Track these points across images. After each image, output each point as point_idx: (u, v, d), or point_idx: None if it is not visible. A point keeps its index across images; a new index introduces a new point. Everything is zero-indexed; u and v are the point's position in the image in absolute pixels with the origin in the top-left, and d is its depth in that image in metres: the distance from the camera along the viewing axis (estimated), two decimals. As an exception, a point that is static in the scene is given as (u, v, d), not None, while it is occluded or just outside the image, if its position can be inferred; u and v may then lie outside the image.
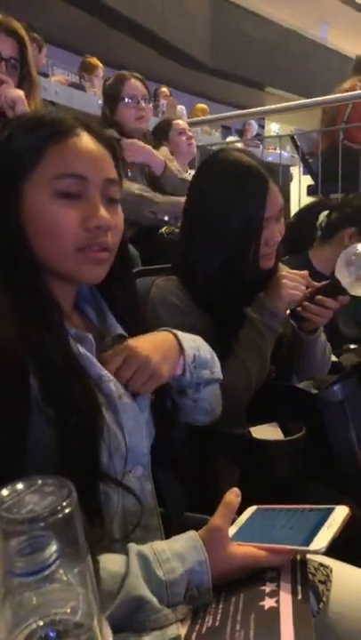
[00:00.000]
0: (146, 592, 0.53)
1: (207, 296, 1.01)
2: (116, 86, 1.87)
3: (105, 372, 0.68)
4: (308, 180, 3.36)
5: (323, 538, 0.56)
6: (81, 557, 0.35)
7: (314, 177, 3.21)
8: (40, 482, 0.36)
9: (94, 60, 4.93)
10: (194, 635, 0.52)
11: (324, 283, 1.06)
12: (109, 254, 0.68)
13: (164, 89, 5.30)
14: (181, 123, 2.65)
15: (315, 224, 1.64)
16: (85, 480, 0.58)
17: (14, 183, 0.64)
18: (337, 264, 1.00)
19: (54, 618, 0.33)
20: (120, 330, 0.75)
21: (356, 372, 0.94)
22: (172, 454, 0.77)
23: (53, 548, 0.33)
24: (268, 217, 1.00)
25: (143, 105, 1.90)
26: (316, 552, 0.56)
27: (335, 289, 1.01)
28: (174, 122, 2.59)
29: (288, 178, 3.59)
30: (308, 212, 1.68)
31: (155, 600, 0.53)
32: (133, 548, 0.58)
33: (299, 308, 1.04)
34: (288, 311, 1.04)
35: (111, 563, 0.55)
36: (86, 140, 0.66)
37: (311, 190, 3.26)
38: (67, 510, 0.33)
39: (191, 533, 0.61)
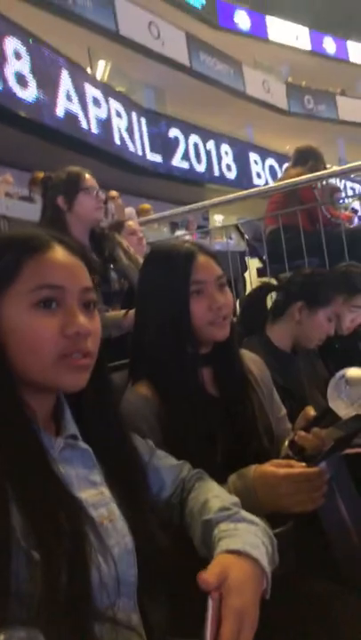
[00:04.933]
0: None
1: (164, 380, 1.00)
2: (74, 179, 1.96)
3: (84, 496, 0.65)
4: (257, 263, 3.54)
5: None
6: None
7: (261, 260, 3.39)
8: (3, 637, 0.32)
9: (38, 174, 5.21)
10: None
11: (319, 414, 1.01)
12: (90, 360, 0.68)
13: (113, 192, 5.61)
14: (132, 223, 2.79)
15: (265, 305, 1.71)
16: (77, 621, 0.53)
17: None
18: (328, 393, 0.96)
19: None
20: (74, 430, 0.71)
21: (341, 446, 0.91)
22: (156, 577, 0.71)
23: None
24: (200, 282, 1.02)
25: (101, 196, 2.01)
26: None
27: (332, 418, 0.96)
28: (126, 223, 2.72)
29: (237, 262, 3.77)
30: (257, 295, 1.75)
31: None
32: None
33: (296, 438, 0.97)
34: (286, 442, 1.00)
35: None
36: (61, 253, 0.68)
37: (261, 272, 3.43)
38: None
39: None
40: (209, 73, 12.38)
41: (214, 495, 0.80)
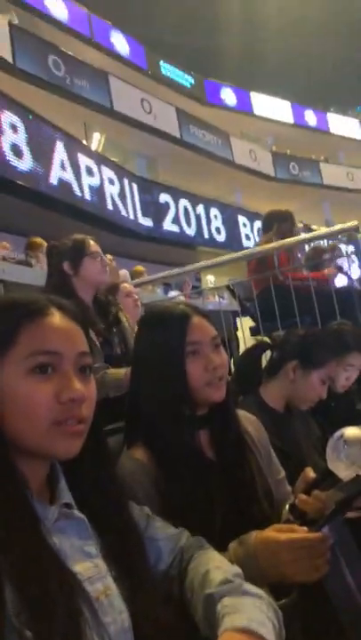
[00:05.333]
0: None
1: (161, 445, 0.99)
2: (80, 245, 2.04)
3: (79, 569, 0.62)
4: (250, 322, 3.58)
5: None
6: None
7: (254, 318, 3.43)
8: None
9: (39, 240, 5.34)
10: None
11: (319, 476, 0.98)
12: (85, 426, 0.66)
13: (108, 256, 5.73)
14: (128, 286, 2.84)
15: (260, 364, 1.71)
16: None
17: None
18: (327, 454, 0.94)
19: None
20: (68, 498, 0.69)
21: (343, 509, 0.88)
22: None
23: None
24: (196, 343, 1.02)
25: (105, 260, 2.08)
26: None
27: (332, 480, 0.93)
28: (121, 285, 2.77)
29: (230, 322, 3.81)
30: (251, 354, 1.76)
31: None
32: None
33: (296, 502, 0.95)
34: (287, 506, 0.98)
35: None
36: (59, 318, 0.68)
37: (254, 331, 3.45)
38: None
39: None
40: (198, 143, 13.06)
41: (215, 566, 0.76)
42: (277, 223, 3.46)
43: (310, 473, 1.04)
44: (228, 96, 16.17)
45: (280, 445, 1.37)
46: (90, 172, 8.76)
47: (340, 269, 3.50)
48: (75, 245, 2.04)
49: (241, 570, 0.76)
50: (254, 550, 0.84)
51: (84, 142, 9.94)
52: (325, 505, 0.88)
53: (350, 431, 0.93)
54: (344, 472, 0.90)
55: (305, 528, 0.84)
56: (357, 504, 0.92)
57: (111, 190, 9.27)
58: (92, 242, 2.06)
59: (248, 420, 1.18)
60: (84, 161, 8.65)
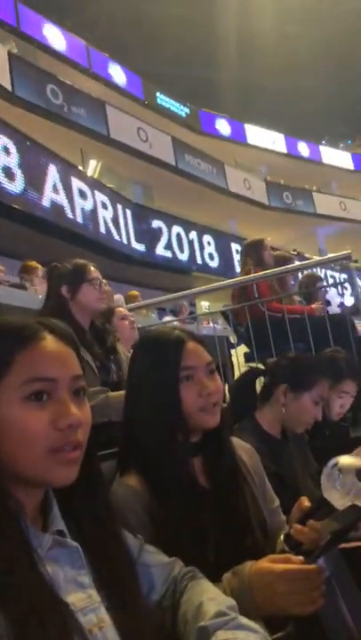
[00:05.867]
0: None
1: (157, 477, 0.97)
2: (80, 271, 2.04)
3: (72, 600, 0.60)
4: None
5: None
6: None
7: (248, 345, 3.43)
8: None
9: (34, 263, 5.36)
10: None
11: (314, 505, 0.97)
12: (80, 452, 0.66)
13: (103, 280, 5.75)
14: (123, 309, 2.85)
15: (254, 390, 1.72)
16: None
17: None
18: (322, 484, 0.92)
19: None
20: (61, 526, 0.68)
21: (339, 539, 0.87)
22: None
23: None
24: (190, 368, 1.02)
25: (104, 288, 2.07)
26: None
27: (327, 510, 0.91)
28: (116, 309, 2.78)
29: (225, 347, 3.81)
30: (245, 380, 1.77)
31: None
32: None
33: (291, 532, 0.93)
34: (282, 536, 0.96)
35: None
36: (51, 342, 0.67)
37: (248, 357, 3.45)
38: None
39: None
40: (194, 172, 13.30)
41: (209, 598, 0.74)
42: (252, 252, 3.58)
43: (305, 502, 1.03)
44: (223, 126, 16.55)
45: (275, 470, 1.36)
46: (83, 195, 8.80)
47: (328, 304, 3.53)
48: (75, 270, 2.04)
49: (235, 602, 0.74)
50: (249, 581, 0.82)
51: (81, 168, 10.08)
52: (321, 535, 0.87)
53: (345, 460, 0.92)
54: (339, 501, 0.88)
55: (301, 558, 0.83)
56: (353, 534, 0.91)
57: (104, 214, 9.33)
58: (92, 268, 2.06)
59: (242, 447, 1.17)
60: (77, 184, 8.69)
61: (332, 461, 0.92)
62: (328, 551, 0.83)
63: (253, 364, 2.98)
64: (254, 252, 3.56)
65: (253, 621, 0.70)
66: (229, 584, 0.84)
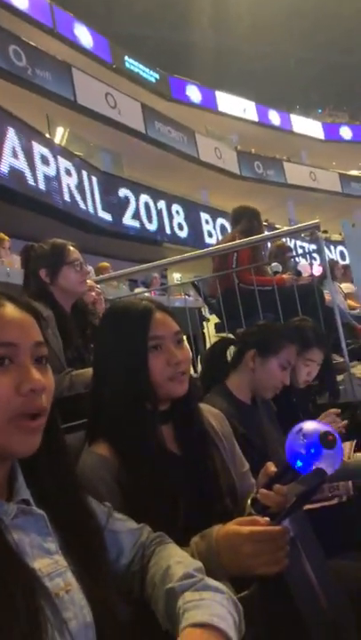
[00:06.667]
0: None
1: (122, 441, 0.98)
2: (58, 252, 1.93)
3: (38, 566, 0.61)
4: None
5: None
6: None
7: (218, 315, 3.45)
8: None
9: (1, 235, 5.22)
10: None
11: (279, 470, 0.97)
12: (43, 420, 0.66)
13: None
14: (89, 281, 2.80)
15: (225, 359, 1.75)
16: None
17: None
18: (286, 448, 0.94)
19: None
20: (27, 495, 0.68)
21: (304, 502, 0.89)
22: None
23: None
24: (158, 338, 1.03)
25: (85, 269, 1.98)
26: None
27: (292, 474, 0.92)
28: (84, 281, 2.73)
29: (196, 318, 3.82)
30: (215, 350, 1.80)
31: None
32: None
33: (258, 496, 0.94)
34: (249, 501, 0.98)
35: None
36: (11, 309, 0.67)
37: (219, 327, 3.48)
38: None
39: None
40: (164, 140, 13.04)
41: (177, 561, 0.76)
42: (245, 220, 3.44)
43: (271, 467, 1.06)
44: (193, 93, 16.21)
45: (245, 433, 1.39)
46: (45, 161, 8.43)
47: (298, 274, 3.55)
48: (53, 252, 1.93)
49: (202, 564, 0.76)
50: (216, 544, 0.84)
51: (47, 136, 9.73)
52: (287, 498, 0.89)
53: (309, 425, 0.94)
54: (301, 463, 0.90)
55: (267, 519, 0.85)
56: (318, 496, 0.94)
57: (68, 182, 8.99)
58: (71, 248, 1.95)
59: (211, 413, 1.19)
60: (39, 150, 8.32)
61: (297, 427, 0.94)
62: (293, 513, 0.86)
63: (224, 335, 3.00)
64: (248, 219, 3.42)
65: (220, 582, 0.72)
66: (197, 547, 0.86)
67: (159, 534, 0.85)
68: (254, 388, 1.66)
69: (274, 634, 0.83)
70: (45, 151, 8.55)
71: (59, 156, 8.87)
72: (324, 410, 1.94)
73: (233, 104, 17.09)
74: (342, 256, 9.86)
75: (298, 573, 0.88)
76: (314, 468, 0.88)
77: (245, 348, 1.67)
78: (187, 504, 0.98)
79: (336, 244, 13.20)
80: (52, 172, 8.57)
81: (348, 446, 1.69)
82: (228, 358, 1.76)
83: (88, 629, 0.63)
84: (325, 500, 1.31)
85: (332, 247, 13.35)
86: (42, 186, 8.28)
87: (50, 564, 0.65)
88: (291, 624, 0.85)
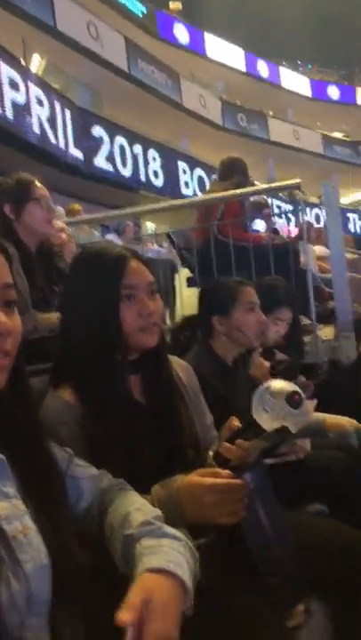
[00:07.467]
0: None
1: (88, 387, 0.97)
2: (24, 187, 1.84)
3: None
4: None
5: None
6: None
7: (192, 270, 3.42)
8: None
9: None
10: None
11: (243, 425, 0.98)
12: (8, 361, 0.65)
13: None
14: (59, 222, 2.70)
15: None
16: None
17: None
18: (252, 406, 0.94)
19: None
20: None
21: (266, 458, 0.92)
22: (73, 594, 0.67)
23: None
24: (132, 287, 1.00)
25: (52, 208, 1.89)
26: None
27: (256, 430, 0.93)
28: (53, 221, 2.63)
29: (168, 271, 3.78)
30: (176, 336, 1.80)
31: None
32: None
33: (220, 449, 0.95)
34: (211, 453, 1.00)
35: None
36: None
37: (191, 282, 3.45)
38: None
39: None
40: (147, 80, 12.42)
41: (136, 508, 0.77)
42: (239, 174, 3.36)
43: (235, 422, 1.07)
44: (181, 33, 15.40)
45: (222, 392, 1.40)
46: (14, 85, 7.65)
47: (275, 232, 3.53)
48: (18, 186, 1.84)
49: (162, 512, 0.77)
50: (178, 493, 0.86)
51: (23, 63, 9.09)
52: (248, 453, 0.91)
53: (276, 384, 0.94)
54: (268, 423, 0.92)
55: (228, 472, 0.87)
56: (279, 452, 0.96)
57: (39, 112, 8.25)
58: (38, 184, 1.87)
59: (179, 365, 1.18)
60: (7, 72, 7.49)
61: (264, 385, 0.94)
62: (255, 468, 0.87)
63: (195, 289, 2.98)
64: (242, 173, 3.34)
65: (178, 530, 0.73)
66: (157, 495, 0.87)
67: (120, 481, 0.86)
68: (241, 345, 1.66)
69: (228, 582, 0.86)
70: (14, 74, 7.73)
71: (29, 82, 8.10)
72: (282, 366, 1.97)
73: (221, 50, 16.37)
74: (317, 219, 9.85)
75: (254, 525, 0.91)
76: (279, 426, 0.89)
77: (208, 318, 1.65)
78: (150, 454, 0.98)
79: (312, 206, 13.17)
80: (21, 99, 7.81)
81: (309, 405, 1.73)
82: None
83: (44, 571, 0.64)
84: (285, 455, 1.35)
85: (308, 209, 13.31)
86: (9, 113, 7.60)
87: (8, 507, 0.64)
88: (245, 573, 0.88)
